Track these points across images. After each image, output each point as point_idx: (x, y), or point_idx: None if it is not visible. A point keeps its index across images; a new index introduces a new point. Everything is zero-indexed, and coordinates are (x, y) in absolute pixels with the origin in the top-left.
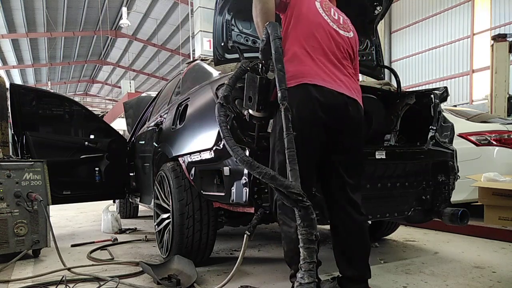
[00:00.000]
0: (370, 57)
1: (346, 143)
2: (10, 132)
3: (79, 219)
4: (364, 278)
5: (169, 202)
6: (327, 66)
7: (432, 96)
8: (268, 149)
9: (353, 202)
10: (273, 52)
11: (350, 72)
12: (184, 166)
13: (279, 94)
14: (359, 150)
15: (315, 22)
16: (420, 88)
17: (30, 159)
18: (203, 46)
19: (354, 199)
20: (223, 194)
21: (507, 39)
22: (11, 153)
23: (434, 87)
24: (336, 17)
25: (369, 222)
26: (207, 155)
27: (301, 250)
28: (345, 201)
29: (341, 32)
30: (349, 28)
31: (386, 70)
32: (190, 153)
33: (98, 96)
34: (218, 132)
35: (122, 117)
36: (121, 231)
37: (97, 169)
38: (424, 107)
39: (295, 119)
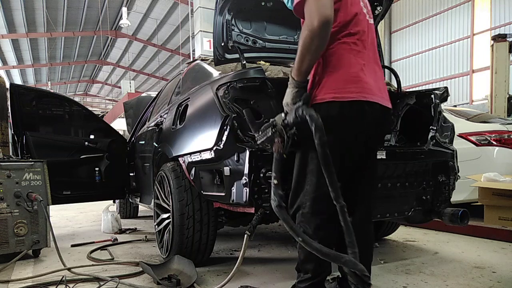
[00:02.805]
0: None
1: (374, 148)
2: (10, 132)
3: (79, 219)
4: None
5: (169, 202)
6: (371, 74)
7: (432, 96)
8: (267, 151)
9: (367, 206)
10: (321, 159)
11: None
12: (184, 166)
13: (338, 207)
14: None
15: (358, 17)
16: (420, 88)
17: (30, 159)
18: (203, 46)
19: (367, 203)
20: (223, 194)
21: (507, 39)
22: (11, 153)
23: (434, 87)
24: (366, 2)
25: None
26: (207, 155)
27: None
28: (358, 205)
29: (371, 21)
30: (371, 12)
31: (386, 70)
32: (190, 153)
33: (98, 96)
34: (218, 132)
35: (122, 117)
36: (121, 231)
37: (97, 169)
38: (425, 107)
39: (339, 136)
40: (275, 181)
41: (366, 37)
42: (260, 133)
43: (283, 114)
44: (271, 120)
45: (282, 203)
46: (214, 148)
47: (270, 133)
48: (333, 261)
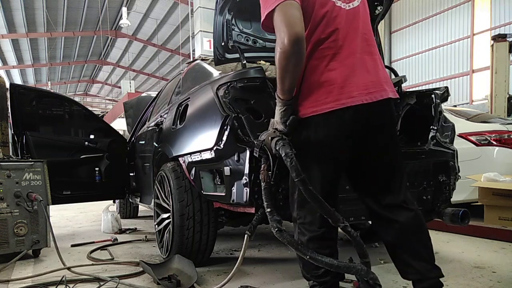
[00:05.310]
0: None
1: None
2: (10, 132)
3: (79, 219)
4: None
5: (169, 202)
6: (359, 69)
7: (433, 96)
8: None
9: (396, 197)
10: (306, 195)
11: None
12: (184, 166)
13: (341, 228)
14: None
15: (330, 16)
16: (420, 88)
17: (30, 159)
18: (203, 46)
19: (398, 194)
20: (223, 194)
21: (507, 39)
22: (11, 153)
23: (434, 87)
24: None
25: (369, 222)
26: (207, 155)
27: None
28: (385, 196)
29: (352, 5)
30: None
31: (386, 70)
32: (191, 153)
33: (98, 96)
34: (219, 132)
35: (122, 117)
36: (121, 231)
37: (97, 169)
38: (425, 107)
39: (314, 152)
40: (268, 209)
41: (345, 32)
42: (256, 142)
43: (272, 132)
44: (261, 137)
45: (281, 227)
46: (215, 148)
47: (257, 154)
48: (346, 272)
